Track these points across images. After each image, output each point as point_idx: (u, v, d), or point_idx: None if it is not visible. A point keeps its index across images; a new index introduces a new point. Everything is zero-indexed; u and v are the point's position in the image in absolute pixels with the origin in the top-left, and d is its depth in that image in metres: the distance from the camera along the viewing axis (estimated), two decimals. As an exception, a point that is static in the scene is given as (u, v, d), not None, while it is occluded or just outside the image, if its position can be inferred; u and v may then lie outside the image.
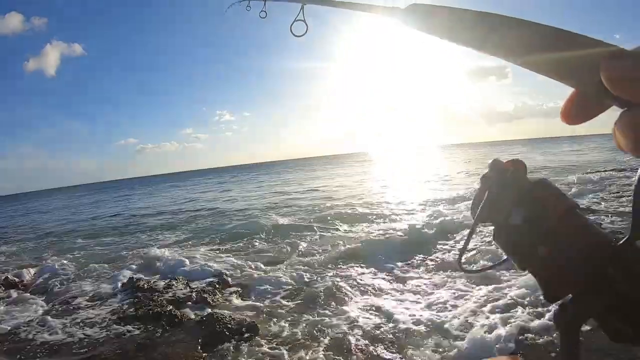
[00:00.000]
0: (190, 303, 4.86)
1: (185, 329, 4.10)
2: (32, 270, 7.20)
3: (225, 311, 4.44)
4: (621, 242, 0.30)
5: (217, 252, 7.53)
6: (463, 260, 0.49)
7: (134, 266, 6.92)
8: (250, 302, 4.79)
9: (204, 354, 3.54)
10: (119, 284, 5.67)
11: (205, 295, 5.01)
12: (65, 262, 7.82)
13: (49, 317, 4.76)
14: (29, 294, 5.94)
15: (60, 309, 5.10)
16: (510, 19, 0.32)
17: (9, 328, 4.54)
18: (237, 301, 4.92)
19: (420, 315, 3.90)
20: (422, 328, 3.67)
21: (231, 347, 3.63)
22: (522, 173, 0.38)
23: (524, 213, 0.36)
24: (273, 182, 27.79)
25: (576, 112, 0.29)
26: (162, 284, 5.63)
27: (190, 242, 8.83)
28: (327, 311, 4.25)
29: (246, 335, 3.82)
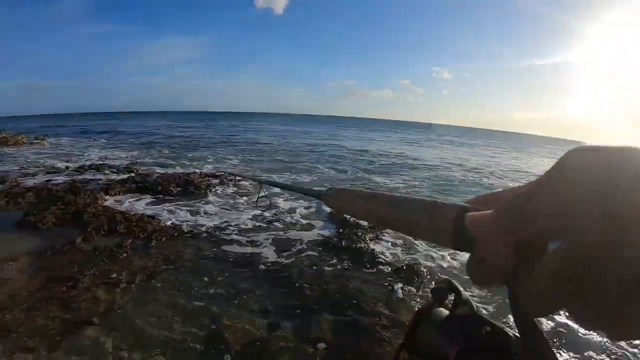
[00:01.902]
0: (393, 248, 4.31)
1: (383, 271, 3.71)
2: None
3: (427, 262, 3.94)
4: None
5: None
6: None
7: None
8: (458, 263, 3.95)
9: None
10: (329, 213, 5.70)
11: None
12: (286, 180, 8.57)
13: (255, 227, 4.96)
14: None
15: (268, 222, 5.19)
16: (395, 197, 0.41)
17: (218, 223, 4.78)
18: (439, 258, 4.07)
19: None
20: None
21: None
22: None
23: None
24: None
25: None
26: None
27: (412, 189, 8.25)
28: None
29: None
